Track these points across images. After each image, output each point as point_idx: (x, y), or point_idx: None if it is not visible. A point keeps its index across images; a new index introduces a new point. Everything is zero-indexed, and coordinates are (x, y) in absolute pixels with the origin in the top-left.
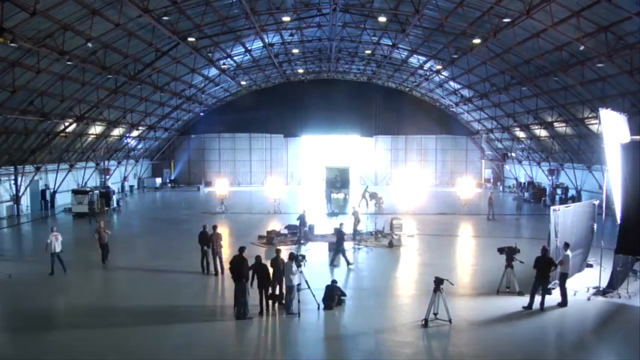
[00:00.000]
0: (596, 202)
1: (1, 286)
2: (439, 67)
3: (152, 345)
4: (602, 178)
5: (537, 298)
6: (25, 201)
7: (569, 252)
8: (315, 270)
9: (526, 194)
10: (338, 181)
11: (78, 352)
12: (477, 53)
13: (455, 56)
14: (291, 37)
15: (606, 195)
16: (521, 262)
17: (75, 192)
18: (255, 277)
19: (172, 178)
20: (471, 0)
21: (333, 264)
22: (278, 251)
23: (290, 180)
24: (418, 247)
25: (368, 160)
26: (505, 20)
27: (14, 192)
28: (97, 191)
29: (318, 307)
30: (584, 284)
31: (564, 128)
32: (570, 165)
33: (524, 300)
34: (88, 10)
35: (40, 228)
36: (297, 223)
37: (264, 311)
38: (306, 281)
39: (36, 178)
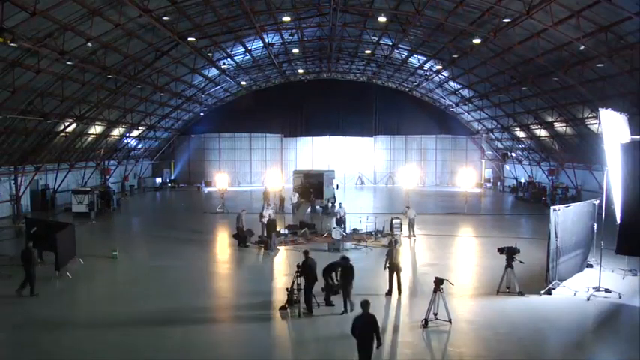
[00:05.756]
0: (596, 202)
1: (1, 286)
2: (439, 67)
3: (153, 344)
4: (602, 178)
5: None
6: (25, 201)
7: None
8: None
9: (526, 194)
10: (310, 191)
11: (81, 352)
12: (477, 53)
13: (455, 56)
14: (291, 37)
15: (606, 195)
16: (521, 262)
17: (75, 192)
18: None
19: (172, 178)
20: (470, 0)
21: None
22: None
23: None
24: (418, 247)
25: (367, 159)
26: (505, 20)
27: (14, 192)
28: (97, 191)
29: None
30: (584, 284)
31: (564, 128)
32: (570, 165)
33: (525, 300)
34: (88, 10)
35: None
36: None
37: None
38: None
39: (36, 178)
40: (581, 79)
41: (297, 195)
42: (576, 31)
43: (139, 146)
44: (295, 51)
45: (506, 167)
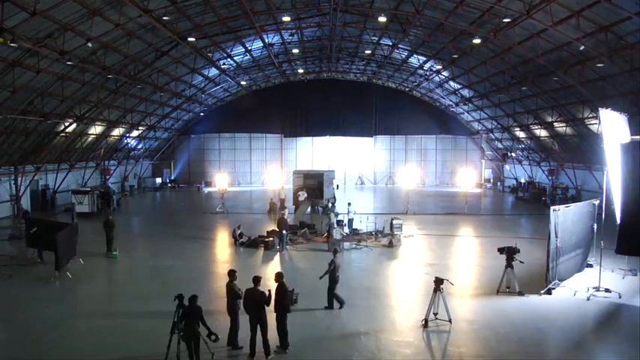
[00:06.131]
0: (596, 202)
1: (1, 286)
2: (439, 67)
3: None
4: (602, 178)
5: None
6: (26, 201)
7: None
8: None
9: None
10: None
11: (81, 352)
12: (477, 53)
13: (455, 56)
14: (291, 37)
15: (606, 195)
16: (521, 262)
17: (75, 192)
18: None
19: (172, 178)
20: (470, 0)
21: None
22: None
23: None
24: (418, 247)
25: (367, 159)
26: (505, 20)
27: (14, 192)
28: (97, 191)
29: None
30: (584, 284)
31: (564, 128)
32: (570, 165)
33: (525, 300)
34: (88, 10)
35: None
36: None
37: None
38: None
39: (36, 178)
40: (581, 79)
41: (305, 194)
42: (576, 31)
43: (139, 146)
44: (295, 51)
45: (506, 167)
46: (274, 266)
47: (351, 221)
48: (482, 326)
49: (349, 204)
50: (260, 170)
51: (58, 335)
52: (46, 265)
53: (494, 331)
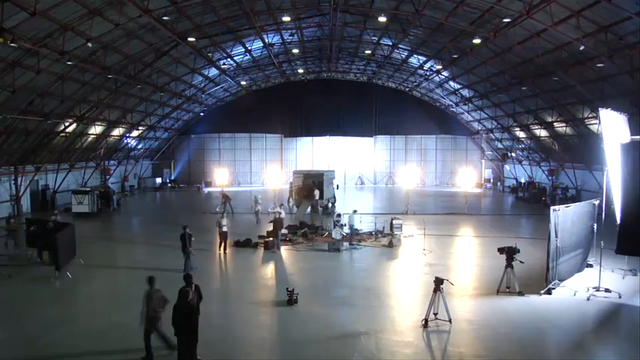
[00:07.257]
0: (596, 202)
1: (1, 286)
2: (439, 67)
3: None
4: (602, 178)
5: None
6: (26, 201)
7: None
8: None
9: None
10: (315, 192)
11: (81, 352)
12: (476, 53)
13: (455, 56)
14: (291, 37)
15: (606, 195)
16: (521, 262)
17: (75, 192)
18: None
19: (172, 178)
20: (470, 0)
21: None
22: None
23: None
24: (418, 247)
25: (367, 160)
26: (505, 20)
27: (14, 192)
28: (97, 191)
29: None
30: (584, 284)
31: (564, 128)
32: (570, 165)
33: (525, 300)
34: (88, 10)
35: None
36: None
37: None
38: None
39: (36, 178)
40: (581, 79)
41: (317, 192)
42: (576, 31)
43: (139, 146)
44: (295, 51)
45: (506, 167)
46: (273, 266)
47: (352, 227)
48: (482, 326)
49: (355, 211)
50: (260, 170)
51: (58, 335)
52: (46, 265)
53: (494, 331)
